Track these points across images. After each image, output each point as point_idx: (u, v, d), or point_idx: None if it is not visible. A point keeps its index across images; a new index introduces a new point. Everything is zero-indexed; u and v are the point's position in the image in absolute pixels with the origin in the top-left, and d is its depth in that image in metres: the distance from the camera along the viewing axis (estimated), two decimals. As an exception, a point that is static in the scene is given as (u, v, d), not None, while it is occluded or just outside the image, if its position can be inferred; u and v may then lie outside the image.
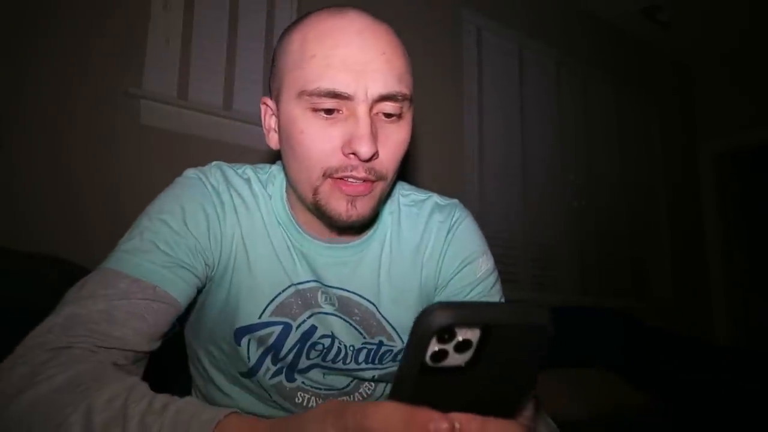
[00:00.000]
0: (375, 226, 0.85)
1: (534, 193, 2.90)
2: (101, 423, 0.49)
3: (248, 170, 0.84)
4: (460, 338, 0.34)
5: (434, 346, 0.34)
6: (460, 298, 0.85)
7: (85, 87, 1.68)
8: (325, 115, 0.68)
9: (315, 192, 0.71)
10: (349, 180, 0.70)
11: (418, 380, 0.35)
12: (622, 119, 3.49)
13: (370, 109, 0.68)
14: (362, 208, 0.72)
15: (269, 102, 0.77)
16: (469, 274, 0.85)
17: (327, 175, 0.70)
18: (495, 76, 2.83)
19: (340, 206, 0.71)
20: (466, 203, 0.95)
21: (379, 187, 0.73)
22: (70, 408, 0.50)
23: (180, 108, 1.84)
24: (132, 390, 0.52)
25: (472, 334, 0.34)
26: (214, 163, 0.83)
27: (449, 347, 0.34)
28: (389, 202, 0.87)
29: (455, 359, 0.35)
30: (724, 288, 3.79)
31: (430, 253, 0.85)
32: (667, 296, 3.52)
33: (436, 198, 0.90)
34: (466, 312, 0.34)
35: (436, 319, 0.33)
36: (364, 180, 0.70)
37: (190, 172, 0.80)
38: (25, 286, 1.22)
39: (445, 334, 0.34)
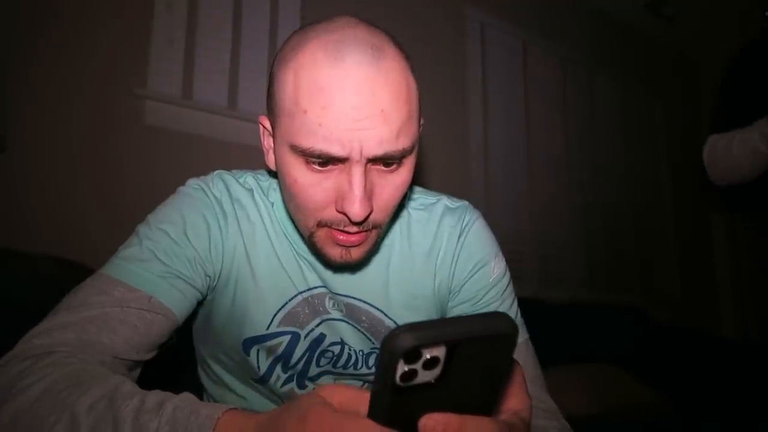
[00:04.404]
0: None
1: (540, 190, 2.88)
2: (88, 428, 0.48)
3: (249, 178, 0.82)
4: (427, 356, 0.36)
5: (403, 368, 0.35)
6: (473, 302, 0.84)
7: (90, 87, 1.68)
8: (319, 168, 0.64)
9: (311, 236, 0.71)
10: (344, 230, 0.68)
11: (391, 400, 0.37)
12: (627, 115, 3.47)
13: (366, 164, 0.64)
14: (357, 254, 0.71)
15: (266, 123, 0.74)
16: (483, 278, 0.84)
17: (321, 225, 0.68)
18: (499, 72, 2.81)
19: (334, 252, 0.70)
20: (473, 201, 0.93)
21: (375, 233, 0.71)
22: (53, 417, 0.49)
23: (185, 108, 1.84)
24: (118, 390, 0.51)
25: (439, 351, 0.36)
26: (216, 172, 0.81)
27: (417, 366, 0.36)
28: None
29: (425, 376, 0.36)
30: (732, 283, 3.77)
31: (443, 257, 0.84)
32: (675, 292, 3.50)
33: (446, 201, 0.88)
34: (429, 332, 0.35)
35: (401, 343, 0.35)
36: (358, 232, 0.68)
37: (193, 182, 0.79)
38: (29, 287, 1.22)
39: (411, 355, 0.35)
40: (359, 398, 0.41)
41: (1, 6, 1.56)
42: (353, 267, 0.79)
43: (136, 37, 1.78)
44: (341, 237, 0.68)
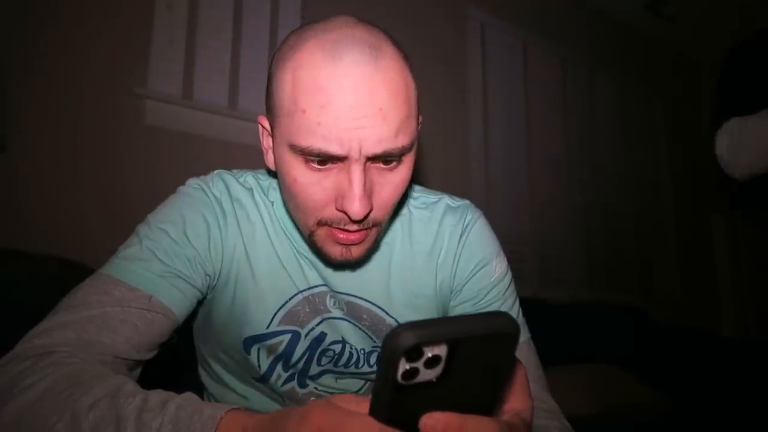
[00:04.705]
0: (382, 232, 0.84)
1: (540, 190, 2.89)
2: (90, 426, 0.48)
3: (249, 178, 0.83)
4: (429, 355, 0.36)
5: (404, 366, 0.35)
6: (475, 301, 0.84)
7: (90, 87, 1.68)
8: (318, 167, 0.64)
9: (311, 234, 0.71)
10: (344, 228, 0.68)
11: (392, 398, 0.37)
12: (627, 115, 3.47)
13: (365, 163, 0.64)
14: (357, 252, 0.71)
15: (265, 123, 0.74)
16: (484, 277, 0.83)
17: (321, 223, 0.68)
18: (499, 72, 2.82)
19: (335, 251, 0.70)
20: (473, 201, 0.93)
21: (375, 231, 0.71)
22: (54, 417, 0.49)
23: (185, 108, 1.84)
24: (120, 389, 0.51)
25: (440, 350, 0.36)
26: (215, 171, 0.81)
27: (419, 365, 0.36)
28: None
29: (426, 375, 0.36)
30: (732, 283, 3.77)
31: (444, 256, 0.83)
32: (675, 292, 3.50)
33: (447, 200, 0.87)
34: (430, 330, 0.35)
35: (402, 341, 0.35)
36: (359, 230, 0.69)
37: (193, 182, 0.79)
38: (29, 287, 1.22)
39: (413, 353, 0.35)
40: (360, 399, 0.41)
41: (1, 6, 1.56)
42: (354, 265, 0.79)
43: (136, 37, 1.78)
44: (341, 235, 0.68)
